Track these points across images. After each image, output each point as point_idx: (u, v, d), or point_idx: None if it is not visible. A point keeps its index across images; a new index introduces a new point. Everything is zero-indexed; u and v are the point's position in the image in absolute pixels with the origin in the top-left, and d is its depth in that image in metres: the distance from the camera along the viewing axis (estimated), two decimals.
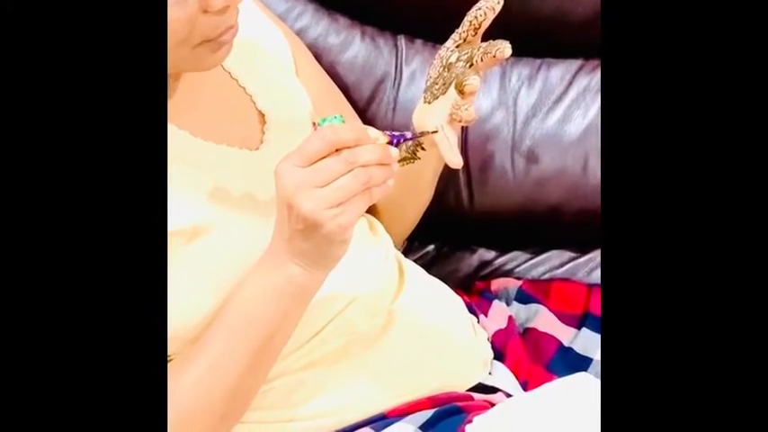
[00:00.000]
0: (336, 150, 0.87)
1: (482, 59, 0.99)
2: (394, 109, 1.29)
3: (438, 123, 1.01)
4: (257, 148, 1.03)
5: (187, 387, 0.93)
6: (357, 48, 1.29)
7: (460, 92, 0.98)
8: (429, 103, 1.03)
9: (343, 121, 0.90)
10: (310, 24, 1.28)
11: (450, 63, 1.01)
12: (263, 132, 1.04)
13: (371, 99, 1.29)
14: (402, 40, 1.31)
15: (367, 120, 1.27)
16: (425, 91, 1.04)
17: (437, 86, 1.02)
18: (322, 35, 1.28)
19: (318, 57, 1.25)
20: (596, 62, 1.29)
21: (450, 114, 1.00)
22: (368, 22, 1.31)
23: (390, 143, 0.91)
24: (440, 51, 1.03)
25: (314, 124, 0.91)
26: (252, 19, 1.11)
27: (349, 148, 0.87)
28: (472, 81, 0.97)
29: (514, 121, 1.28)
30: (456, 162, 1.00)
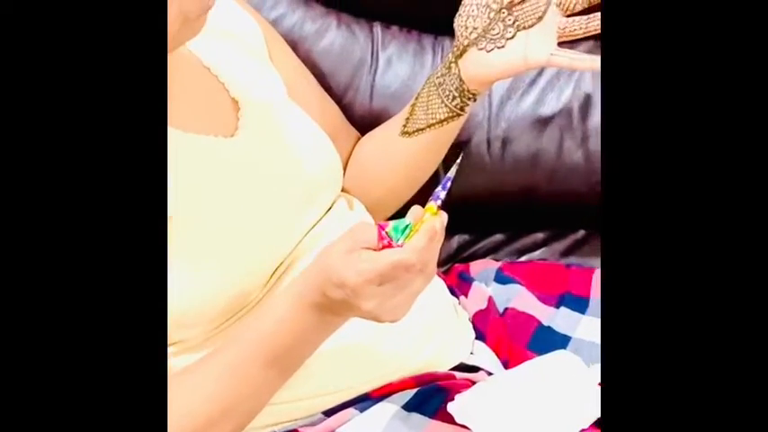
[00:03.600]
0: None
1: None
2: (371, 95, 1.29)
3: (547, 51, 1.03)
4: (232, 136, 1.03)
5: (186, 399, 0.92)
6: (333, 35, 1.30)
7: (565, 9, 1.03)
8: (496, 49, 1.05)
9: (410, 225, 0.88)
10: (286, 13, 1.29)
11: (503, 6, 1.03)
12: (238, 119, 1.05)
13: (348, 86, 1.29)
14: (378, 27, 1.31)
15: (344, 106, 1.27)
16: (475, 42, 1.05)
17: (495, 31, 1.04)
18: (298, 23, 1.29)
19: (294, 45, 1.26)
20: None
21: (559, 36, 1.03)
22: (343, 9, 1.31)
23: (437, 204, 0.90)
24: (467, 5, 1.05)
25: (380, 230, 0.88)
26: (223, 5, 1.11)
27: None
28: None
29: (489, 105, 1.29)
30: (595, 64, 1.01)
